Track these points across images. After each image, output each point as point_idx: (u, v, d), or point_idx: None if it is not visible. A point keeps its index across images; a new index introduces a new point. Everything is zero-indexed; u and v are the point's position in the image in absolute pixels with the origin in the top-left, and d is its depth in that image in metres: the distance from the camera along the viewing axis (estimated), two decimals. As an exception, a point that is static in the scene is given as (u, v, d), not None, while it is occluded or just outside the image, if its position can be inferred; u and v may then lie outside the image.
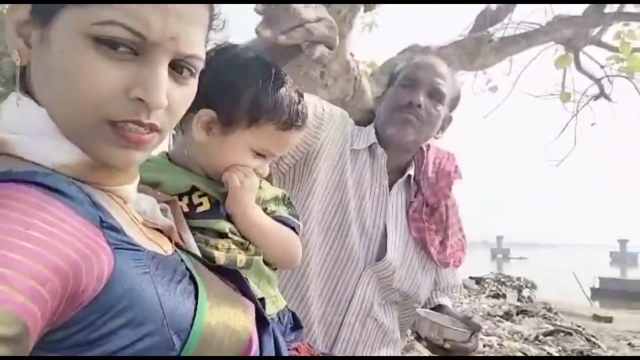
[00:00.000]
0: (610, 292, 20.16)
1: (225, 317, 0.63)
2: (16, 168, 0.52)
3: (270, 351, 0.70)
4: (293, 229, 0.97)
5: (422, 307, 1.41)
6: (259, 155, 0.92)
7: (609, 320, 10.32)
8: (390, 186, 1.42)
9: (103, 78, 0.55)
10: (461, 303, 9.70)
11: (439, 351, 1.23)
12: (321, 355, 1.04)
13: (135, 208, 0.67)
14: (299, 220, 1.01)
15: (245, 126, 0.88)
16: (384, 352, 1.39)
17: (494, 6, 4.57)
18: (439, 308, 1.45)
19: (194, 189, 0.89)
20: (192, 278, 0.64)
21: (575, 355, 6.15)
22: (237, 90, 0.87)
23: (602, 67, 5.54)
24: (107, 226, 0.55)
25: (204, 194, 0.90)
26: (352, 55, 4.21)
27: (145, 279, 0.56)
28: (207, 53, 0.67)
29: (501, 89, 5.95)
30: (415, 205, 1.41)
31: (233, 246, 0.87)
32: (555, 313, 8.99)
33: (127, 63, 0.56)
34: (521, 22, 4.88)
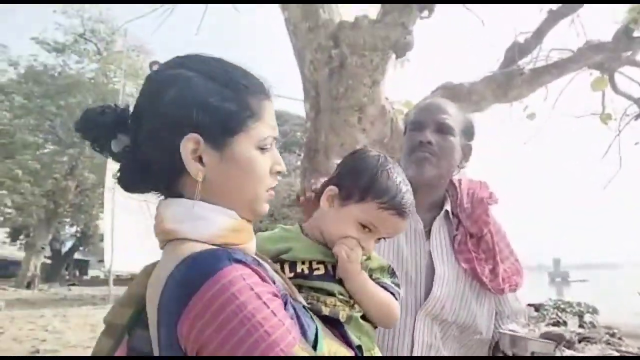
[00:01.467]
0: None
1: (333, 348, 0.88)
2: (188, 248, 0.80)
3: None
4: (393, 294, 1.15)
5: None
6: (364, 228, 1.10)
7: (680, 341, 9.74)
8: (431, 225, 1.48)
9: (265, 166, 0.91)
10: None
11: None
12: None
13: None
14: (399, 288, 1.16)
15: (355, 201, 1.10)
16: None
17: (522, 39, 4.69)
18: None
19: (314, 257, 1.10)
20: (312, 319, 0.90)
21: (645, 382, 5.88)
22: (357, 174, 1.12)
23: (640, 85, 5.52)
24: (276, 282, 0.85)
25: (322, 262, 1.10)
26: (387, 98, 4.44)
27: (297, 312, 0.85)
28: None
29: (540, 115, 5.97)
30: (459, 237, 1.47)
31: (339, 304, 1.05)
32: (620, 338, 8.57)
33: (268, 153, 0.92)
34: (552, 49, 4.98)
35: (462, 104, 4.50)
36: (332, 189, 1.12)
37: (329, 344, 0.88)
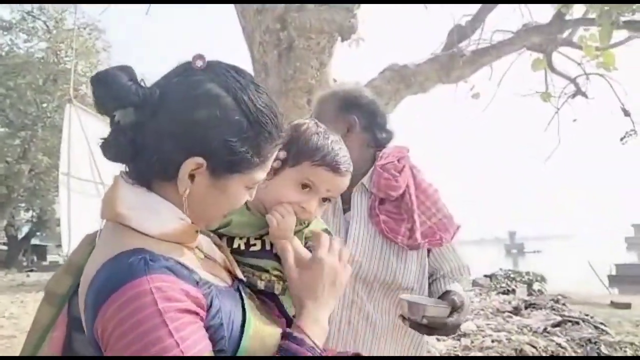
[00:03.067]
0: (628, 278, 20.01)
1: (263, 334, 0.92)
2: (131, 240, 0.83)
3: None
4: None
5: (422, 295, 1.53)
6: (304, 188, 1.14)
7: (627, 306, 10.28)
8: (352, 195, 1.61)
9: (244, 200, 0.96)
10: (472, 302, 9.87)
11: (423, 330, 1.36)
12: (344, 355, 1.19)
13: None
14: None
15: (290, 165, 1.14)
16: (381, 345, 1.52)
17: (463, 22, 4.87)
18: (446, 294, 1.50)
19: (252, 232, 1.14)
20: (243, 308, 0.94)
21: (583, 343, 6.32)
22: (289, 142, 1.15)
23: (578, 64, 5.80)
24: (200, 283, 0.86)
25: (259, 237, 1.14)
26: (335, 80, 4.54)
27: (222, 308, 0.88)
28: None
29: (486, 94, 6.21)
30: (370, 203, 1.60)
31: (273, 278, 1.10)
32: (564, 304, 9.12)
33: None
34: (495, 31, 5.18)
35: (408, 84, 4.66)
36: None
37: (259, 329, 0.92)
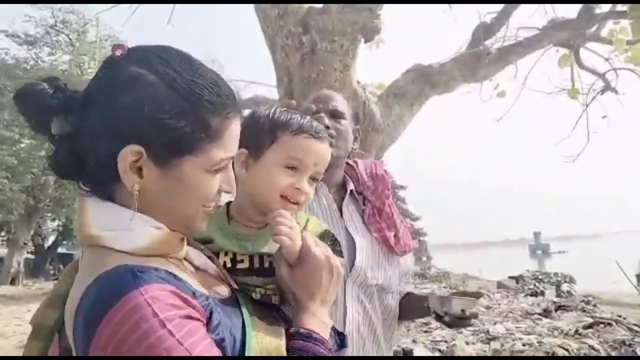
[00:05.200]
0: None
1: (268, 347, 0.86)
2: (111, 259, 0.77)
3: None
4: None
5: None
6: (291, 169, 1.05)
7: (657, 306, 10.11)
8: (340, 204, 1.63)
9: (212, 189, 0.87)
10: (499, 304, 9.71)
11: (457, 322, 1.41)
12: None
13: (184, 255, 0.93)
14: (342, 256, 1.14)
15: (267, 146, 1.05)
16: (375, 348, 1.56)
17: (487, 19, 4.79)
18: (408, 295, 1.69)
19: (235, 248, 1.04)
20: (243, 321, 0.87)
21: (617, 345, 6.15)
22: (255, 126, 1.07)
23: (606, 59, 5.67)
24: (196, 294, 0.80)
25: (246, 253, 1.03)
26: (358, 82, 4.51)
27: (222, 322, 0.82)
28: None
29: (511, 93, 6.11)
30: (368, 211, 1.65)
31: (269, 292, 1.00)
32: (595, 305, 8.91)
33: (220, 174, 0.88)
34: (520, 27, 5.10)
35: (432, 84, 4.60)
36: (241, 152, 1.05)
37: (262, 342, 0.86)
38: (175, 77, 0.81)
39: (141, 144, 0.79)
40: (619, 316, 7.64)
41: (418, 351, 5.72)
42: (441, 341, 6.34)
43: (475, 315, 1.42)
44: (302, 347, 0.87)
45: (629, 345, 6.14)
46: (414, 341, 6.35)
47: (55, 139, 0.84)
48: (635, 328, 7.01)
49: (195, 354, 0.71)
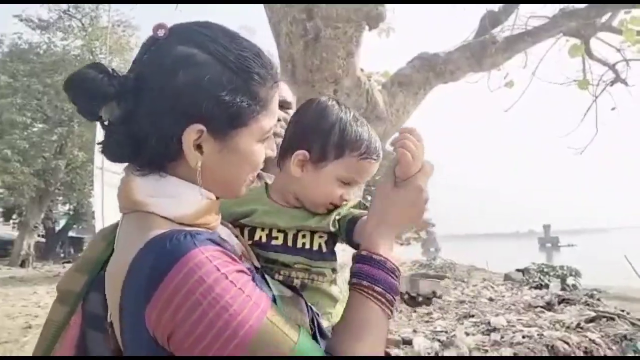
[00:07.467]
0: (667, 273, 19.34)
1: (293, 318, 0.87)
2: (157, 224, 0.81)
3: None
4: None
5: None
6: (345, 184, 1.10)
7: (666, 301, 10.00)
8: None
9: (262, 156, 0.92)
10: (503, 296, 9.69)
11: (412, 302, 1.43)
12: None
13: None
14: None
15: (332, 159, 1.07)
16: None
17: (495, 8, 4.73)
18: None
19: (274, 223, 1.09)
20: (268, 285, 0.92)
21: (618, 340, 6.12)
22: (325, 131, 1.08)
23: (617, 50, 5.58)
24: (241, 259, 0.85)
25: (282, 230, 1.08)
26: (362, 70, 4.48)
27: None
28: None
29: (520, 82, 6.03)
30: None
31: (294, 273, 1.04)
32: (598, 299, 8.86)
33: (266, 142, 0.93)
34: (530, 16, 5.02)
35: (438, 73, 4.56)
36: (302, 154, 1.08)
37: (289, 312, 0.88)
38: (225, 53, 0.83)
39: (202, 122, 0.82)
40: (623, 310, 7.59)
41: (418, 341, 5.74)
42: (442, 331, 6.35)
43: (440, 295, 1.44)
44: (377, 275, 0.90)
45: (630, 340, 6.10)
46: (414, 331, 6.36)
47: (106, 124, 0.85)
48: (638, 323, 6.97)
49: (254, 300, 0.76)
